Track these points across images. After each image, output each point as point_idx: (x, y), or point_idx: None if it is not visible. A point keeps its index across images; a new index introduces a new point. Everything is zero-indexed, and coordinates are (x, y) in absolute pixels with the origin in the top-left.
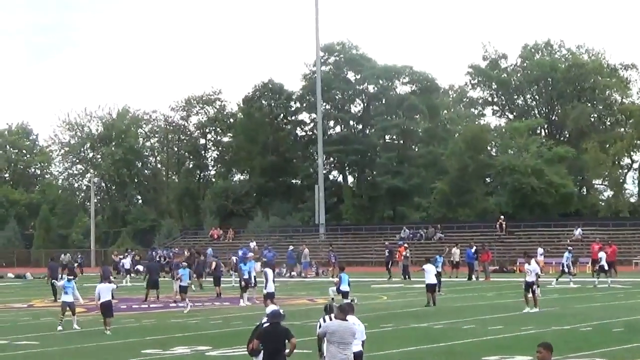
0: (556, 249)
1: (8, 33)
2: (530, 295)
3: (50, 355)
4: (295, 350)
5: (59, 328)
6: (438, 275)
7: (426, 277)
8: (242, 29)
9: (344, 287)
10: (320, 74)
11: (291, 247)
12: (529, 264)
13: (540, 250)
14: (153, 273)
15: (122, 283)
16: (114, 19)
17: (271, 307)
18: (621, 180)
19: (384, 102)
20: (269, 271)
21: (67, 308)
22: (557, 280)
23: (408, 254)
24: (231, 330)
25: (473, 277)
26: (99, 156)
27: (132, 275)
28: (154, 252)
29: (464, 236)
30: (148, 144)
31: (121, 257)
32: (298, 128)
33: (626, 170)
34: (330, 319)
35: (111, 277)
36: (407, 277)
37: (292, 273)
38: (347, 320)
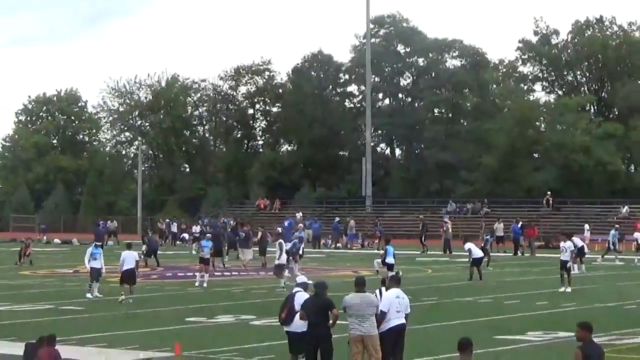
0: (602, 226)
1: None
2: (565, 274)
3: (95, 321)
4: (338, 322)
5: (89, 295)
6: (485, 251)
7: (472, 253)
8: None
9: (390, 260)
10: (370, 46)
11: (337, 219)
12: (564, 241)
13: (587, 226)
14: (217, 241)
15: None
16: None
17: (301, 278)
18: None
19: (433, 75)
20: (283, 243)
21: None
22: (602, 257)
23: (449, 228)
24: (275, 300)
25: (519, 252)
26: (147, 124)
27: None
28: (214, 221)
29: (510, 211)
30: (196, 112)
31: (168, 224)
32: (347, 100)
33: None
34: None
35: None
36: (448, 251)
37: (338, 244)
38: (365, 293)
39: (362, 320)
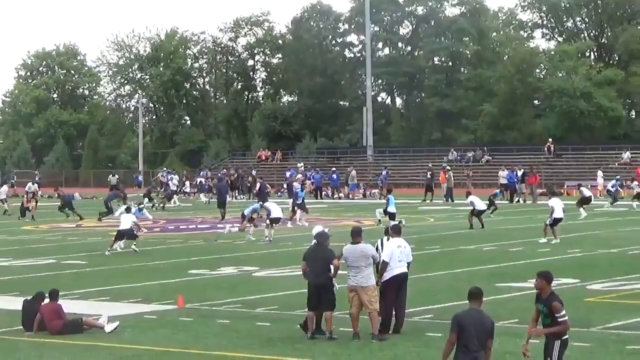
0: (604, 172)
1: None
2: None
3: (97, 275)
4: (340, 271)
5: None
6: (491, 202)
7: (475, 205)
8: None
9: (391, 209)
10: None
11: (333, 169)
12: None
13: (600, 173)
14: (222, 193)
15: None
16: None
17: (317, 228)
18: None
19: (432, 24)
20: (269, 205)
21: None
22: (611, 204)
23: (452, 177)
24: (278, 251)
25: (521, 200)
26: (147, 77)
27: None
28: (223, 173)
29: (511, 159)
30: (196, 65)
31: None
32: (346, 50)
33: None
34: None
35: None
36: (450, 199)
37: (340, 195)
38: (360, 244)
39: (356, 272)
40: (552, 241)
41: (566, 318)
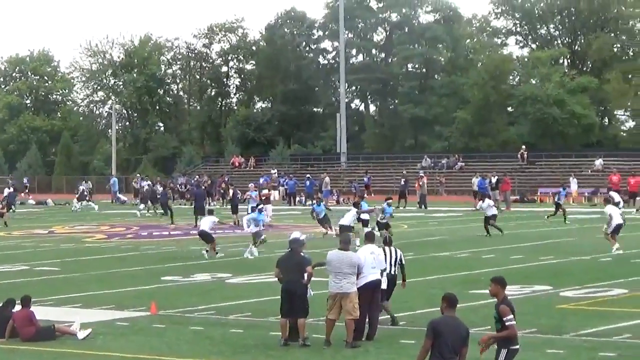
0: (577, 179)
1: None
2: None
3: (70, 282)
4: (314, 278)
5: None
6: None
7: (489, 210)
8: None
9: (364, 216)
10: (343, 2)
11: (308, 176)
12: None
13: (573, 180)
14: (199, 199)
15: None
16: None
17: (295, 234)
18: None
19: (406, 31)
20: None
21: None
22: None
23: (425, 183)
24: (251, 258)
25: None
26: (120, 83)
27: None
28: (198, 179)
29: (485, 166)
30: (170, 71)
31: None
32: (320, 56)
33: None
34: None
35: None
36: (424, 206)
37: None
38: (347, 251)
39: (340, 278)
40: (613, 249)
41: (513, 322)
